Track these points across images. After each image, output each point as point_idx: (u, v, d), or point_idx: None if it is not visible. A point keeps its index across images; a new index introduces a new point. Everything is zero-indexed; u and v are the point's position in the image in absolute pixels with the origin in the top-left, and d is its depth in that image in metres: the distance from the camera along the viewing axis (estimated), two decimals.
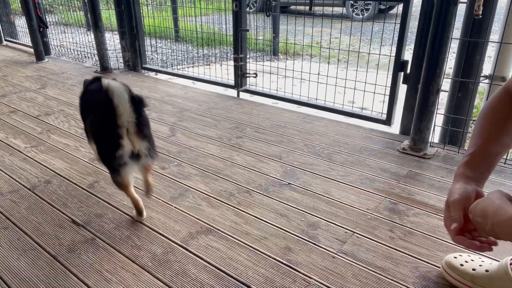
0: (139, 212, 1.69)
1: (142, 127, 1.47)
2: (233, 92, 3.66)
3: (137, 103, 1.42)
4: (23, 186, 1.97)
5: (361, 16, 8.85)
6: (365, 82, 2.88)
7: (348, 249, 1.51)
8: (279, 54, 6.65)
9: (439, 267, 1.40)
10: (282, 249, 1.51)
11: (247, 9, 4.78)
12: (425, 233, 1.60)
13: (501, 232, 0.76)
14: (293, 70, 3.39)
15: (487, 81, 2.35)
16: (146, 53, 4.50)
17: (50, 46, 5.24)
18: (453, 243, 1.54)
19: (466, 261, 1.31)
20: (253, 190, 1.93)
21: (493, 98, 1.02)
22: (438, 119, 2.33)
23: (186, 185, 1.98)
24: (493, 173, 2.09)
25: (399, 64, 2.59)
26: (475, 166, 0.99)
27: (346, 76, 2.97)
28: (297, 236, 1.58)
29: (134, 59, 4.39)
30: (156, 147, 1.63)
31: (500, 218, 0.74)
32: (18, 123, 2.80)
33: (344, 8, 9.23)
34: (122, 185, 1.58)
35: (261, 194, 1.90)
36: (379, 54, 2.97)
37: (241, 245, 1.54)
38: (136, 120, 1.43)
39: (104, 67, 4.34)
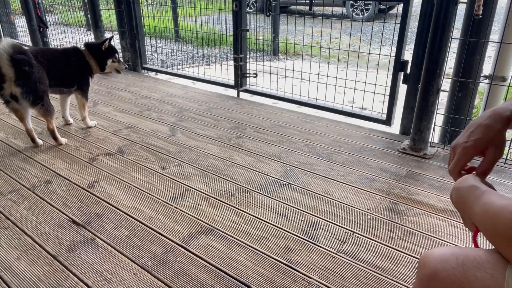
0: (32, 140, 2.43)
1: (18, 78, 2.12)
2: (233, 92, 3.66)
3: (16, 61, 2.08)
4: (23, 186, 1.97)
5: (361, 16, 8.85)
6: (365, 82, 2.88)
7: (348, 249, 1.51)
8: (279, 54, 6.65)
9: None
10: (282, 249, 1.51)
11: (247, 9, 4.78)
12: (425, 233, 1.60)
13: (455, 197, 0.78)
14: (293, 70, 3.39)
15: (487, 81, 2.35)
16: (146, 53, 4.50)
17: (50, 46, 5.24)
18: (453, 243, 1.54)
19: None
20: (253, 190, 1.93)
21: None
22: (438, 119, 2.33)
23: (186, 185, 1.98)
24: (493, 173, 2.09)
25: (399, 64, 2.59)
26: None
27: (346, 76, 2.97)
28: (297, 236, 1.59)
29: (134, 59, 4.39)
30: (38, 93, 2.23)
31: (461, 185, 0.77)
32: (18, 123, 2.80)
33: (344, 8, 9.22)
34: (17, 117, 2.38)
35: (261, 194, 1.90)
36: (379, 54, 2.97)
37: (241, 245, 1.54)
38: (14, 72, 2.09)
39: None
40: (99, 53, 2.65)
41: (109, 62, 2.71)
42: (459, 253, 0.69)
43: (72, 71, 2.57)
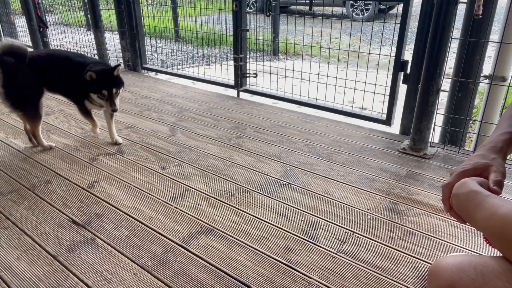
0: (30, 140, 2.42)
1: (3, 79, 2.08)
2: (233, 92, 3.66)
3: (2, 62, 2.06)
4: (23, 186, 1.97)
5: (361, 16, 8.85)
6: (365, 82, 2.88)
7: (348, 249, 1.51)
8: (279, 54, 6.65)
9: None
10: (282, 249, 1.51)
11: (247, 9, 4.78)
12: (425, 233, 1.60)
13: (456, 204, 0.75)
14: (293, 70, 3.39)
15: (487, 81, 2.35)
16: (146, 53, 4.50)
17: (50, 46, 5.24)
18: (453, 243, 1.54)
19: None
20: (253, 190, 1.93)
21: None
22: (438, 119, 2.33)
23: (186, 185, 1.98)
24: None
25: (399, 64, 2.59)
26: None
27: (346, 76, 2.97)
28: (297, 236, 1.58)
29: (134, 59, 4.39)
30: (19, 98, 2.18)
31: (460, 191, 0.75)
32: (18, 123, 2.80)
33: (344, 8, 9.22)
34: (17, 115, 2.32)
35: (261, 194, 1.90)
36: (379, 54, 2.97)
37: (241, 245, 1.54)
38: (1, 73, 2.07)
39: None
40: (83, 80, 2.18)
41: (93, 96, 2.22)
42: (477, 262, 0.65)
43: (72, 87, 2.31)
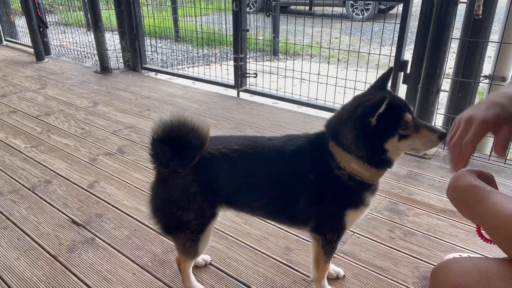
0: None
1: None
2: (233, 92, 3.66)
3: None
4: (23, 186, 1.97)
5: (361, 16, 8.84)
6: (365, 82, 2.88)
7: (348, 249, 1.51)
8: (279, 54, 6.64)
9: None
10: (282, 249, 1.51)
11: (247, 9, 4.78)
12: (425, 233, 1.60)
13: (453, 197, 0.75)
14: (293, 70, 3.38)
15: (487, 81, 2.35)
16: (146, 53, 4.50)
17: (50, 46, 5.24)
18: (453, 243, 1.54)
19: None
20: None
21: None
22: (438, 119, 2.33)
23: None
24: (493, 173, 2.09)
25: (399, 64, 2.58)
26: None
27: (346, 76, 2.97)
28: (297, 236, 1.58)
29: (134, 59, 4.39)
30: None
31: (458, 184, 0.74)
32: (18, 123, 2.80)
33: (344, 8, 9.22)
34: None
35: None
36: (379, 54, 2.97)
37: (241, 245, 1.54)
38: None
39: (104, 67, 4.34)
40: (362, 136, 1.06)
41: (392, 142, 1.06)
42: (480, 265, 0.64)
43: (299, 188, 1.14)
